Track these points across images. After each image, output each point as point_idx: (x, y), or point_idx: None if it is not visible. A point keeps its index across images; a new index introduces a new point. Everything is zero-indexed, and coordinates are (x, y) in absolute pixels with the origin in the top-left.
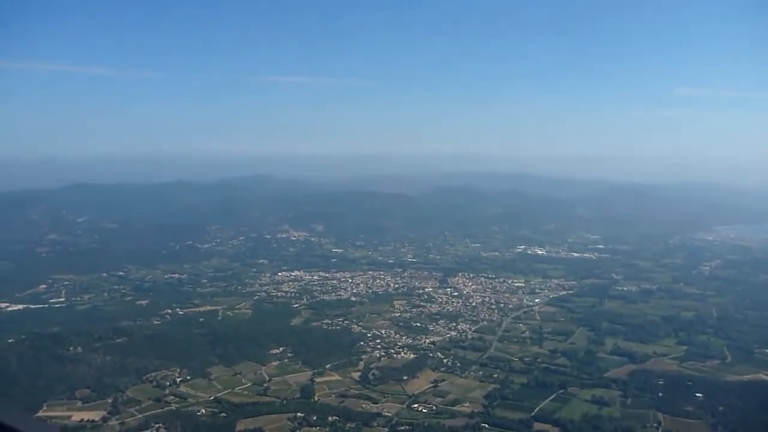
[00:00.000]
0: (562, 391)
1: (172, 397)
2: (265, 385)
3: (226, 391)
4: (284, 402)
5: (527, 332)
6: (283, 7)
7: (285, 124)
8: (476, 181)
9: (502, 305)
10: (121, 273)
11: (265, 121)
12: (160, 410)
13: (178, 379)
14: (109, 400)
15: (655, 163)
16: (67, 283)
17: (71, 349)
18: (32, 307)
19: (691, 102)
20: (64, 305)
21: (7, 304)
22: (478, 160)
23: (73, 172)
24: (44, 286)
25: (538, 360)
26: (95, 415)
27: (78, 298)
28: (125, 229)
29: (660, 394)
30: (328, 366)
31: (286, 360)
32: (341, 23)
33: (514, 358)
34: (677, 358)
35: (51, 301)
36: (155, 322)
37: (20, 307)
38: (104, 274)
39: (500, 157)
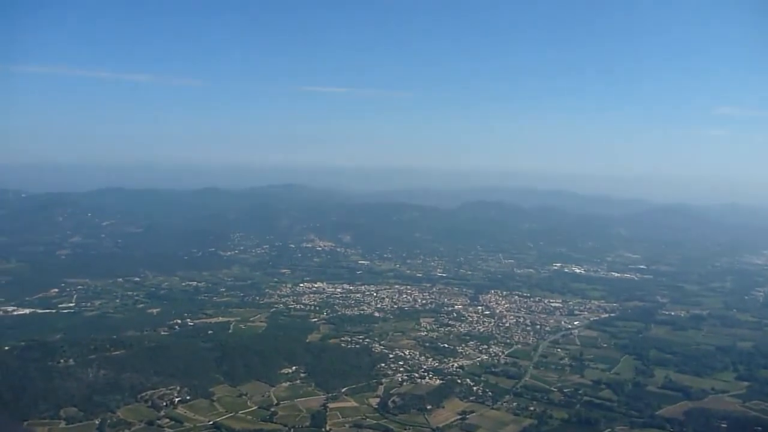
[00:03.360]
0: (608, 430)
1: (167, 421)
2: (272, 409)
3: (228, 415)
4: (291, 431)
5: (566, 358)
6: (319, 17)
7: (319, 134)
8: (511, 197)
9: (537, 327)
10: (137, 279)
11: (299, 132)
12: None
13: (177, 399)
14: (96, 421)
15: (697, 184)
16: (80, 287)
17: (62, 361)
18: (39, 311)
19: (734, 122)
20: (72, 311)
21: (15, 308)
22: (514, 176)
23: (108, 177)
24: (56, 290)
25: (580, 392)
26: None
27: (88, 304)
28: (149, 234)
29: None
30: (343, 390)
31: (298, 381)
32: (378, 35)
33: (553, 389)
34: (739, 395)
35: (60, 306)
36: (162, 333)
37: (27, 311)
38: (120, 280)
39: (537, 174)
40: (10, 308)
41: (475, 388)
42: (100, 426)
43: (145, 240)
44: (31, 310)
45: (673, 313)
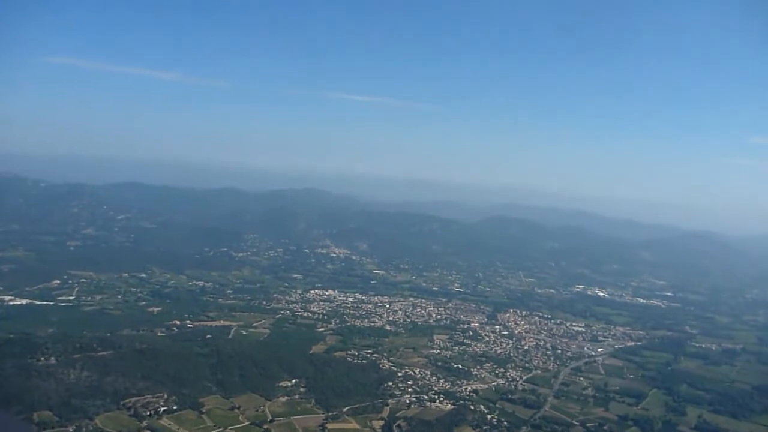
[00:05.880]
0: None
1: None
2: (265, 426)
3: (216, 430)
4: None
5: (589, 389)
6: (351, 25)
7: (344, 141)
8: (534, 215)
9: (559, 351)
10: (143, 275)
11: (324, 138)
12: None
13: (162, 409)
14: (71, 429)
15: (727, 213)
16: (83, 280)
17: (43, 358)
18: (37, 303)
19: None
20: (70, 304)
21: (12, 298)
22: (537, 195)
23: (130, 172)
24: (58, 281)
25: (605, 427)
26: None
27: (88, 298)
28: (163, 230)
29: None
30: (345, 409)
31: (296, 396)
32: (410, 46)
33: (575, 422)
34: None
35: (60, 298)
36: (159, 334)
37: (24, 302)
38: (125, 275)
39: (559, 194)
40: (7, 298)
41: (489, 416)
42: None
43: (158, 236)
44: (29, 301)
45: (703, 346)
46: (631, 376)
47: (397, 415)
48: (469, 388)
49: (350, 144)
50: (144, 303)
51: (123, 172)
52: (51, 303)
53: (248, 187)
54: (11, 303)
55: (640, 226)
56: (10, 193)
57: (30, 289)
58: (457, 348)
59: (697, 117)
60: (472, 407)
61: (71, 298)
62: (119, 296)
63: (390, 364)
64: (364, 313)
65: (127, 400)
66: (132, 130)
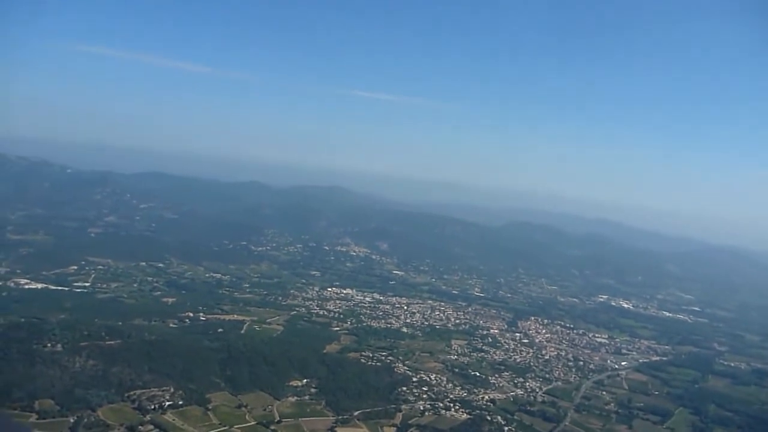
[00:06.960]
0: None
1: (151, 427)
2: (273, 427)
3: (221, 429)
4: None
5: (612, 404)
6: (376, 24)
7: (368, 140)
8: (557, 221)
9: (581, 363)
10: (161, 264)
11: (348, 135)
12: None
13: (167, 403)
14: (72, 419)
15: (756, 228)
16: (100, 267)
17: (50, 345)
18: (51, 287)
19: None
20: (85, 291)
21: (27, 281)
22: (561, 201)
23: (157, 162)
24: (75, 267)
25: None
26: None
27: (104, 286)
28: (184, 220)
29: None
30: (356, 413)
31: (306, 397)
32: (436, 47)
33: None
34: None
35: (75, 284)
36: (170, 326)
37: (39, 286)
38: (143, 264)
39: (581, 201)
40: (23, 281)
41: (506, 428)
42: (74, 425)
43: (179, 226)
44: (44, 285)
45: (732, 364)
46: (656, 393)
47: (410, 422)
48: (487, 397)
49: (373, 143)
50: (159, 293)
51: (148, 163)
52: (66, 288)
53: (271, 182)
54: (27, 286)
55: (665, 238)
56: (36, 177)
57: (47, 274)
58: (475, 354)
59: (726, 128)
60: (488, 418)
61: (87, 284)
62: (135, 285)
63: (405, 368)
64: (381, 313)
65: (131, 392)
66: (158, 121)
